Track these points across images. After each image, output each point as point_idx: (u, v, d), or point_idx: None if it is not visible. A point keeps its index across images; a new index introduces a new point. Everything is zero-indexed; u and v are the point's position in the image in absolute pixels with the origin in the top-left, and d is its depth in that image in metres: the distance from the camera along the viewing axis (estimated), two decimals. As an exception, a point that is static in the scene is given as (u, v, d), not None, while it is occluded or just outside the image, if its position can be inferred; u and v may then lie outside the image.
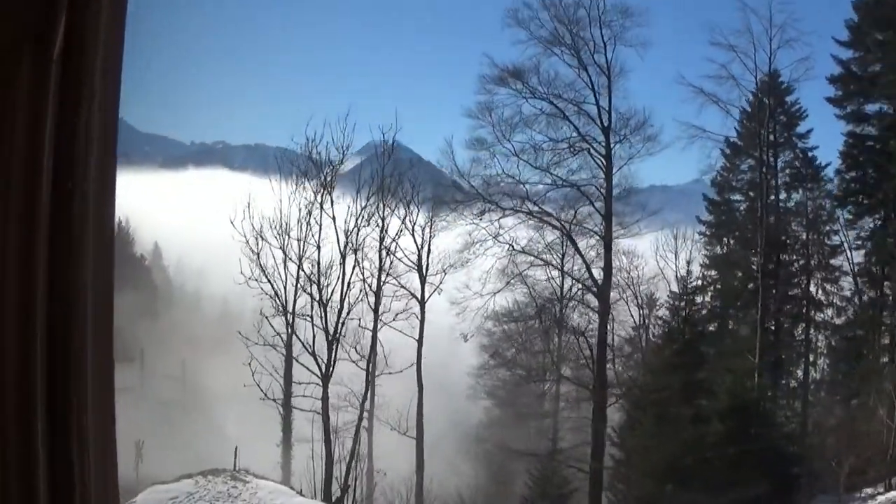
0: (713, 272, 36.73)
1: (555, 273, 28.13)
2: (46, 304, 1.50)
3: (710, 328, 37.35)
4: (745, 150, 35.30)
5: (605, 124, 25.90)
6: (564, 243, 27.52)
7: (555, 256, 28.44)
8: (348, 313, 25.65)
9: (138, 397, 36.35)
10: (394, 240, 30.44)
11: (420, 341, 30.21)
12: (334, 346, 25.15)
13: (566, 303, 28.14)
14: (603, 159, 25.94)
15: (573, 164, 26.44)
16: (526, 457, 27.70)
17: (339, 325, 25.30)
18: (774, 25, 31.53)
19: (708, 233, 36.15)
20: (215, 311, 34.65)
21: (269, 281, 25.18)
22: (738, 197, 35.91)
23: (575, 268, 30.43)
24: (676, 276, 36.91)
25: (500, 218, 26.77)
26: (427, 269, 30.42)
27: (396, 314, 28.46)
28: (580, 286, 27.22)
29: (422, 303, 30.29)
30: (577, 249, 26.82)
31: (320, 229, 25.91)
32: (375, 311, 30.24)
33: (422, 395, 30.33)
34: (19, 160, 1.51)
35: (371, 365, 30.39)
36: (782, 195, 36.42)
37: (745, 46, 32.03)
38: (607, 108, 25.73)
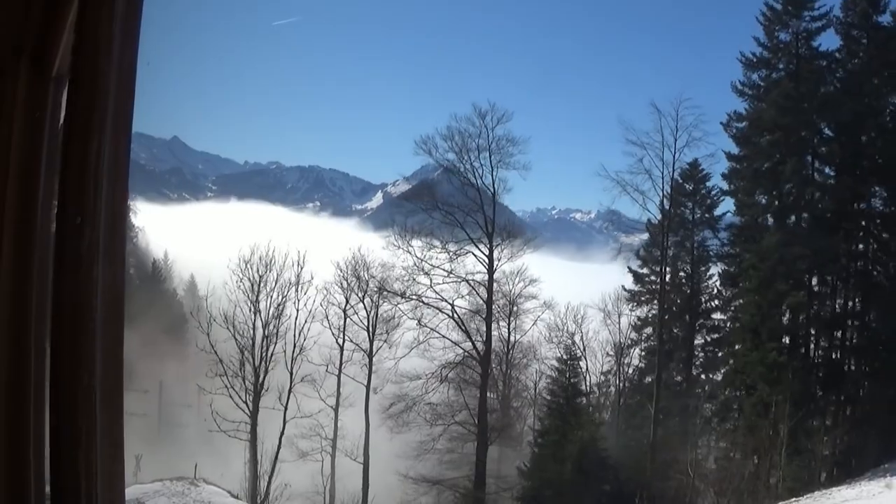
0: (645, 332, 50.77)
1: (448, 342, 42.81)
2: (52, 343, 1.76)
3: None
4: (670, 228, 49.01)
5: (490, 231, 40.45)
6: (454, 322, 42.27)
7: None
8: (265, 377, 41.31)
9: (150, 422, 53.11)
10: (352, 306, 46.21)
11: (367, 386, 45.57)
12: (259, 397, 41.10)
13: (449, 371, 42.80)
14: (486, 258, 40.57)
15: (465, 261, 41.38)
16: (428, 483, 42.83)
17: (260, 384, 41.11)
18: (681, 127, 45.26)
19: (633, 300, 50.10)
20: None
21: (214, 352, 41.16)
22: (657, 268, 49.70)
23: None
24: (619, 336, 51.81)
25: (404, 303, 42.11)
26: (375, 330, 45.88)
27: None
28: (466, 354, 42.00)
29: (370, 356, 45.58)
30: (463, 328, 41.46)
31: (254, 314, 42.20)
32: (340, 361, 46.29)
33: (368, 429, 45.65)
34: (14, 181, 1.77)
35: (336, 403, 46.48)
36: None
37: (657, 144, 45.98)
38: (492, 218, 40.37)
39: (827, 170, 44.10)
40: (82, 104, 1.83)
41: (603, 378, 53.69)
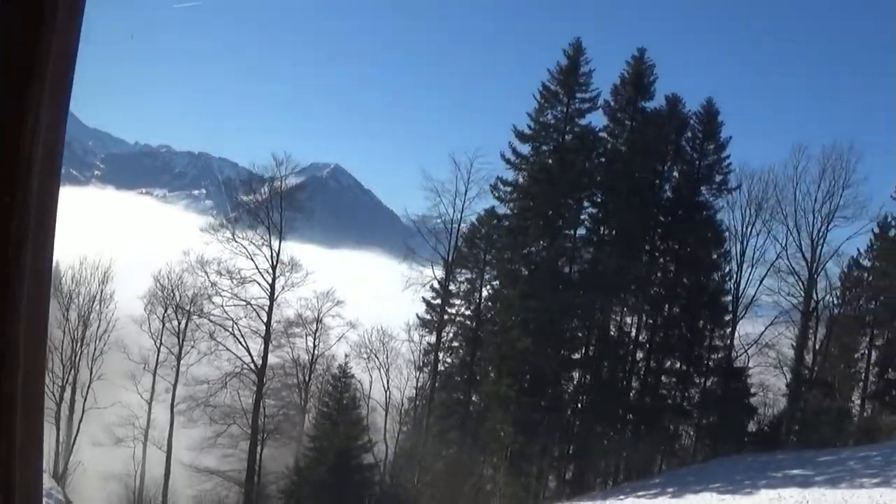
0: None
1: (231, 356, 56.37)
2: None
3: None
4: (465, 265, 62.73)
5: (274, 264, 53.96)
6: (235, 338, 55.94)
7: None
8: (73, 374, 55.33)
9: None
10: (167, 314, 60.11)
11: (175, 385, 59.10)
12: (65, 390, 55.16)
13: (229, 379, 56.29)
14: (269, 287, 54.11)
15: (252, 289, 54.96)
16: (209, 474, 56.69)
17: (65, 380, 55.18)
18: (473, 179, 58.46)
19: (425, 327, 63.75)
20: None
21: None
22: (456, 301, 63.58)
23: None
24: (418, 357, 65.55)
25: (197, 320, 56.09)
26: (184, 337, 59.67)
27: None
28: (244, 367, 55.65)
29: (178, 359, 59.21)
30: (244, 345, 54.95)
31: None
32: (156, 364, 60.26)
33: (173, 423, 58.94)
34: None
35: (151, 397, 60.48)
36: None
37: (451, 193, 59.17)
38: (277, 253, 53.95)
39: (579, 235, 57.54)
40: (17, 83, 1.97)
41: (417, 392, 67.29)
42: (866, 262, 64.08)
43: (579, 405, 57.56)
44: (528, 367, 52.64)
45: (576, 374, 58.33)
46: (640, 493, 44.01)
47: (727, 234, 59.88)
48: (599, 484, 55.47)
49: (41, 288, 2.07)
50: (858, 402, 62.80)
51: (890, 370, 63.37)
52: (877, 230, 62.53)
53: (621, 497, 44.71)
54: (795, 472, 40.83)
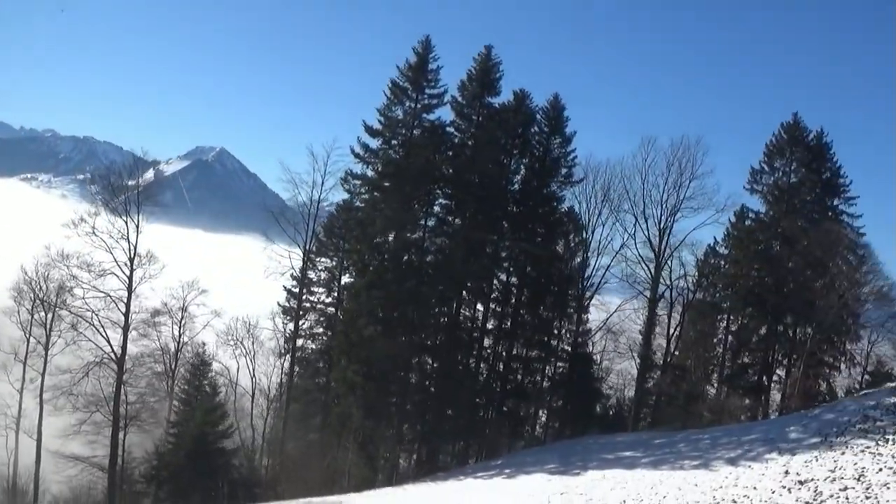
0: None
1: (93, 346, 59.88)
2: None
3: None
4: (325, 253, 66.76)
5: (131, 257, 57.61)
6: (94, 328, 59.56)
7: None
8: None
9: None
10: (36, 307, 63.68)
11: (43, 374, 62.66)
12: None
13: (91, 368, 59.58)
14: (127, 279, 57.69)
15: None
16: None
17: None
18: (330, 172, 61.48)
19: (286, 314, 67.67)
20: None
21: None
22: (317, 289, 67.65)
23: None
24: (280, 344, 69.54)
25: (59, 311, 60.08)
26: (51, 327, 63.32)
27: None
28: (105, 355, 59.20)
29: (46, 349, 62.70)
30: (104, 335, 58.35)
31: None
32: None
33: (42, 411, 62.44)
34: None
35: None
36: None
37: (308, 185, 62.71)
38: (134, 246, 57.58)
39: (429, 225, 61.33)
40: None
41: (283, 378, 69.99)
42: (723, 251, 67.58)
43: (431, 390, 61.01)
44: (376, 353, 55.32)
45: (426, 361, 61.97)
46: (479, 474, 46.61)
47: (577, 223, 64.98)
48: (453, 466, 58.67)
49: None
50: (716, 385, 66.37)
51: (743, 355, 67.17)
52: (733, 219, 67.06)
53: (461, 478, 47.00)
54: (627, 453, 42.93)
